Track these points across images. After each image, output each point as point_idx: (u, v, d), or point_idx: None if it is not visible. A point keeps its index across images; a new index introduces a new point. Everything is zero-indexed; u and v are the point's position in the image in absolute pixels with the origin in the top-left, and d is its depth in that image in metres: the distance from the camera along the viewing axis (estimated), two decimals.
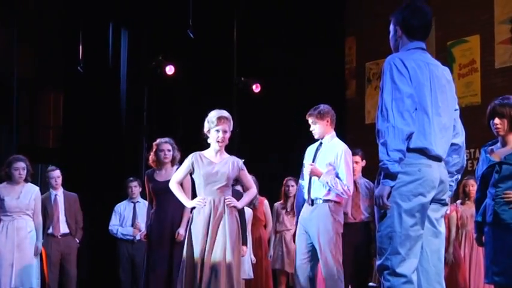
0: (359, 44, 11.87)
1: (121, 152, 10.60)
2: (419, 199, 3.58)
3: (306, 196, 6.06)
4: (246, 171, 5.82)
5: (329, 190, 5.89)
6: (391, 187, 3.54)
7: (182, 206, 6.78)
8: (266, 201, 8.59)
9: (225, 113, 5.68)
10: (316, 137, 6.06)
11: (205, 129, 5.69)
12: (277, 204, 8.55)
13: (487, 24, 10.04)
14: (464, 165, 4.00)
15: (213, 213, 5.49)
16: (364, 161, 7.76)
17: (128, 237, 8.71)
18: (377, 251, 3.70)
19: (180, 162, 6.95)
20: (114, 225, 8.80)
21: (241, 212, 7.51)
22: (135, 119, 10.90)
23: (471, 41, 10.26)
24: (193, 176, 5.69)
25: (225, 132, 5.63)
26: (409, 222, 3.58)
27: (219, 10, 11.04)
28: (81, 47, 10.51)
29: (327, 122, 6.04)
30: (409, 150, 3.56)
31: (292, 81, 11.23)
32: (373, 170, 7.89)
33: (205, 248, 5.42)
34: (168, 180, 6.74)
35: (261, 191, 8.76)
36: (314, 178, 5.93)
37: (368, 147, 9.26)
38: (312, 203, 5.97)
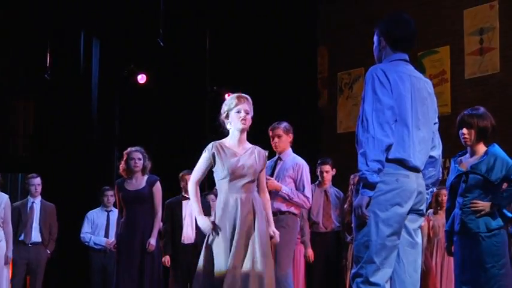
0: (331, 54, 11.92)
1: (92, 160, 10.53)
2: (396, 209, 3.60)
3: None
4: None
5: (288, 202, 5.93)
6: (370, 197, 3.56)
7: (153, 216, 6.75)
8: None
9: (244, 94, 4.91)
10: (278, 150, 6.12)
11: (223, 115, 4.88)
12: None
13: (456, 35, 10.15)
14: (440, 178, 4.02)
15: (239, 214, 4.65)
16: (334, 170, 7.79)
17: (100, 246, 8.58)
18: (353, 259, 3.71)
19: (151, 172, 6.93)
20: (86, 232, 8.63)
21: None
22: (106, 128, 10.84)
23: (441, 51, 10.35)
24: (213, 169, 4.81)
25: (247, 112, 4.81)
26: (386, 231, 3.59)
27: (191, 19, 11.04)
28: (48, 55, 10.43)
29: (290, 137, 6.11)
30: (387, 160, 3.59)
31: (265, 91, 11.25)
32: (344, 179, 7.97)
33: (231, 254, 4.58)
34: (138, 190, 6.74)
35: None
36: (273, 191, 5.96)
37: (340, 157, 9.32)
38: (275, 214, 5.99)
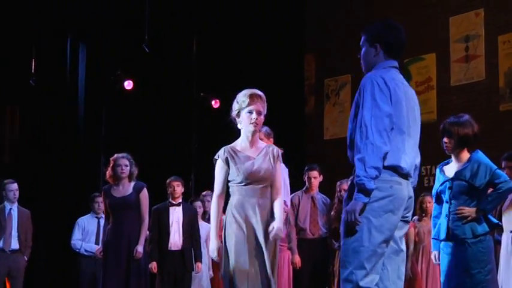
0: (318, 61, 11.96)
1: (79, 167, 10.48)
2: (389, 216, 3.60)
3: None
4: (280, 167, 4.70)
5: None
6: (364, 203, 3.54)
7: (139, 222, 6.73)
8: (224, 217, 8.55)
9: (257, 91, 4.59)
10: None
11: (234, 112, 4.62)
12: None
13: (442, 42, 10.22)
14: (415, 186, 4.05)
15: (259, 219, 4.42)
16: (321, 176, 7.80)
17: (91, 253, 8.43)
18: (340, 264, 3.70)
19: (138, 178, 6.91)
20: (77, 239, 8.52)
21: (195, 226, 7.49)
22: (93, 134, 10.80)
23: (427, 59, 10.42)
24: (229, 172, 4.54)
25: (259, 113, 4.53)
26: (378, 238, 3.59)
27: (178, 25, 11.04)
28: (34, 60, 10.38)
29: (271, 141, 6.14)
30: (383, 167, 3.58)
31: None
32: (331, 185, 7.98)
33: (256, 258, 4.37)
34: (125, 196, 6.72)
35: None
36: None
37: (326, 163, 9.34)
38: None
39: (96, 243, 8.47)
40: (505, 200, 5.65)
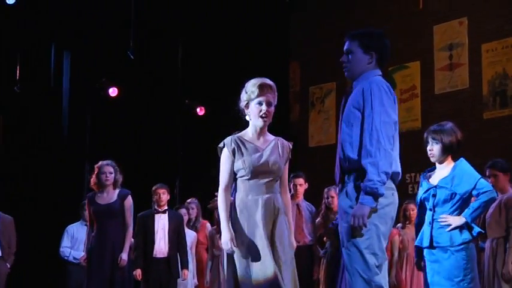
0: (303, 68, 12.00)
1: (63, 174, 10.43)
2: (391, 222, 3.61)
3: None
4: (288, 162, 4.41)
5: None
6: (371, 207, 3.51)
7: (124, 230, 6.70)
8: (208, 224, 8.55)
9: (267, 81, 4.35)
10: None
11: (242, 103, 4.36)
12: (211, 229, 8.44)
13: (426, 51, 10.28)
14: None
15: (261, 218, 4.11)
16: (307, 184, 7.81)
17: (79, 261, 8.26)
18: (348, 271, 3.65)
19: (122, 186, 6.89)
20: (65, 247, 8.39)
21: (181, 233, 7.47)
22: (77, 141, 10.75)
23: (412, 67, 10.48)
24: (234, 164, 4.25)
25: (269, 104, 4.28)
26: (384, 245, 3.61)
27: (163, 32, 11.03)
28: (18, 67, 10.33)
29: None
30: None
31: (237, 104, 11.26)
32: (315, 193, 7.99)
33: (263, 260, 4.04)
34: (110, 204, 6.70)
35: (204, 214, 8.74)
36: None
37: (311, 171, 9.35)
38: None
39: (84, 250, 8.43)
40: (489, 208, 5.68)
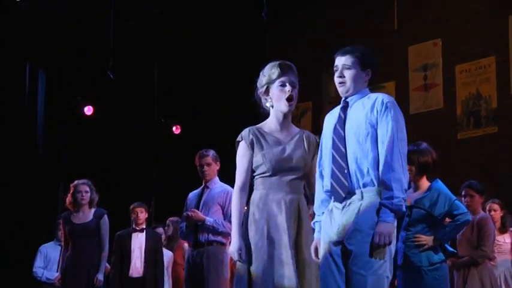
0: None
1: (36, 194, 10.33)
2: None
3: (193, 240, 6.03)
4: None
5: (217, 232, 5.89)
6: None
7: (100, 250, 6.65)
8: (186, 245, 8.49)
9: (286, 61, 3.83)
10: (207, 178, 6.07)
11: (261, 89, 3.81)
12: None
13: (402, 71, 10.38)
14: None
15: (284, 220, 3.61)
16: None
17: (53, 281, 8.12)
18: None
19: (98, 205, 6.84)
20: (39, 267, 8.23)
21: (159, 253, 7.42)
22: (51, 160, 10.68)
23: (387, 87, 10.54)
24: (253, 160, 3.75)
25: (293, 86, 3.75)
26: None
27: (139, 52, 11.03)
28: None
29: (218, 165, 6.14)
30: None
31: (213, 123, 11.27)
32: None
33: (280, 266, 3.56)
34: (86, 223, 6.64)
35: None
36: (198, 223, 5.91)
37: None
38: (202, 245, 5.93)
39: (58, 271, 8.32)
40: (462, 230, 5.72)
